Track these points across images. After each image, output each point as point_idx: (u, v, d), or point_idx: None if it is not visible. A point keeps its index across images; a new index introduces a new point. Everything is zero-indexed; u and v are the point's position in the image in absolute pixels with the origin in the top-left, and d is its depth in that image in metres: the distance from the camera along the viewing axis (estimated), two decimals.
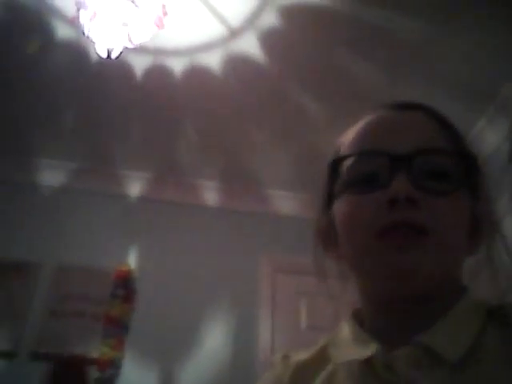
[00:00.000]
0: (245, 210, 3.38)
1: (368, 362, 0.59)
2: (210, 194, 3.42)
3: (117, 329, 2.81)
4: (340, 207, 0.65)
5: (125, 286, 2.93)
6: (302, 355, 0.72)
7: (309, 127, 2.90)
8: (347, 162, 0.65)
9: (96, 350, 2.74)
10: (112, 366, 2.71)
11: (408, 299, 0.60)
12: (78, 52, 2.50)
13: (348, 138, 0.70)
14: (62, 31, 2.41)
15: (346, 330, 0.67)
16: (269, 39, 2.40)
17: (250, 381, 2.81)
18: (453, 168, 0.61)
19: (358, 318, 0.67)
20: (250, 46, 2.43)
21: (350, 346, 0.64)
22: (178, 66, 2.56)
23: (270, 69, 2.53)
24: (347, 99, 2.69)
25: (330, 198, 0.69)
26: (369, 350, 0.59)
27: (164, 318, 2.92)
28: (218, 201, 3.41)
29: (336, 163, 0.67)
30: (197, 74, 2.58)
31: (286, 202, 3.45)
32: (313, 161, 3.13)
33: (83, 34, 2.13)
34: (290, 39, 2.39)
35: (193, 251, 3.20)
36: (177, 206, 3.34)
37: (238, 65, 2.53)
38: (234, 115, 2.85)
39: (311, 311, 3.08)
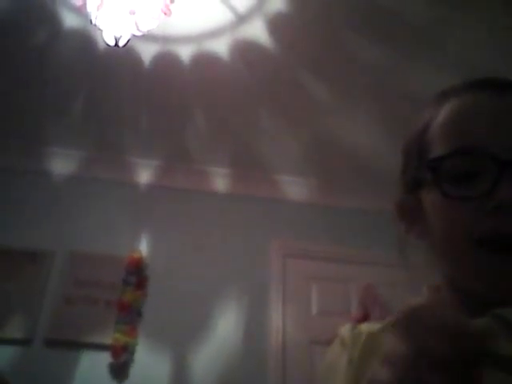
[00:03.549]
0: (255, 195, 3.39)
1: None
2: (221, 181, 3.42)
3: (130, 315, 2.83)
4: (436, 205, 0.63)
5: (137, 273, 2.96)
6: (373, 326, 0.72)
7: (318, 113, 2.88)
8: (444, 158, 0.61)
9: (109, 336, 2.77)
10: (125, 352, 2.74)
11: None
12: (85, 40, 2.50)
13: (441, 121, 0.65)
14: (70, 20, 2.41)
15: None
16: (277, 24, 2.38)
17: (262, 365, 2.86)
18: None
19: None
20: (257, 31, 2.42)
21: None
22: (185, 52, 2.55)
23: (279, 54, 2.52)
24: (357, 85, 2.67)
25: (416, 181, 0.67)
26: None
27: (176, 304, 2.94)
28: (228, 187, 3.42)
29: (434, 162, 0.62)
30: (205, 61, 2.57)
31: (295, 188, 3.45)
32: (323, 146, 3.14)
33: (91, 22, 2.13)
34: (298, 24, 2.37)
35: (204, 238, 3.21)
36: (187, 192, 3.35)
37: (246, 51, 2.51)
38: (242, 101, 2.84)
39: (322, 296, 3.10)
